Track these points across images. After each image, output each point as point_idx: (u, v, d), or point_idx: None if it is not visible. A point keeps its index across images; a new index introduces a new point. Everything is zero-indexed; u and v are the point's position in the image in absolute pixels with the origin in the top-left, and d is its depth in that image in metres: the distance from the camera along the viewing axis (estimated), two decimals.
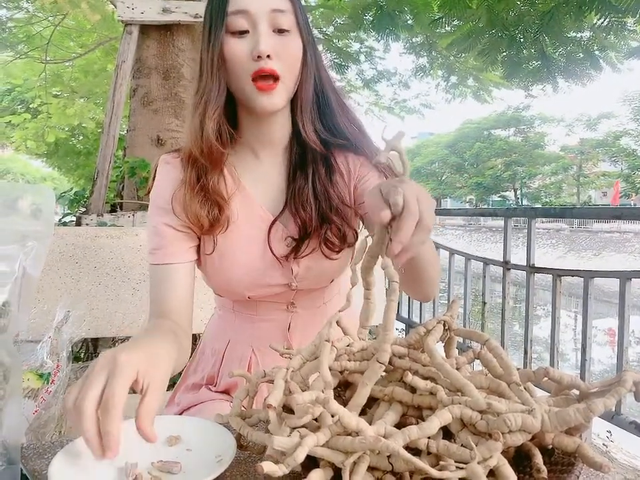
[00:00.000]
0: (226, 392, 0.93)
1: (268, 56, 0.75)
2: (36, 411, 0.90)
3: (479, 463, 0.38)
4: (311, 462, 0.45)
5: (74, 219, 2.07)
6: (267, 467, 0.38)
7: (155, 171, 0.88)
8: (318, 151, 0.85)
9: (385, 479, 0.44)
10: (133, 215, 1.99)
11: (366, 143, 0.88)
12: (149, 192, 0.87)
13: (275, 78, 0.76)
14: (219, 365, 0.94)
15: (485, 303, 2.35)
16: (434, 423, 0.40)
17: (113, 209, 2.20)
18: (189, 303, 0.83)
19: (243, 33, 0.76)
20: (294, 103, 0.84)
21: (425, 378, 0.48)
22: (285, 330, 0.91)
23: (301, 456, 0.39)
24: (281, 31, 0.77)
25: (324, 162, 0.87)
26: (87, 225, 1.95)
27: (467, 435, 0.42)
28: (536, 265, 2.13)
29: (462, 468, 0.39)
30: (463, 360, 0.50)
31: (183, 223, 0.82)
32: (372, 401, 0.53)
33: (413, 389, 0.49)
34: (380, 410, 0.48)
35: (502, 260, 2.28)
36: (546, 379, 0.46)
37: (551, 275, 2.03)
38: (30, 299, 0.43)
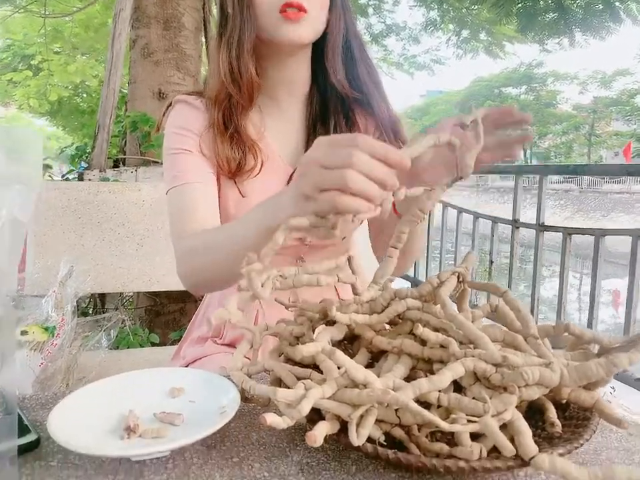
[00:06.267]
0: (231, 345, 0.92)
1: None
2: (42, 364, 0.90)
3: (492, 416, 0.37)
4: (317, 414, 0.44)
5: (77, 175, 2.05)
6: (271, 418, 0.37)
7: (166, 109, 0.86)
8: (341, 100, 0.84)
9: (393, 432, 0.42)
10: (136, 170, 1.96)
11: (381, 99, 0.85)
12: (158, 129, 0.86)
13: (301, 10, 0.74)
14: None
15: (492, 262, 2.33)
16: (446, 376, 0.38)
17: (115, 165, 2.17)
18: (218, 222, 0.81)
19: None
20: (320, 48, 0.82)
21: (436, 330, 0.46)
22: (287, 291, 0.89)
23: (306, 408, 0.38)
24: None
25: (345, 115, 0.85)
26: (89, 180, 1.92)
27: (480, 388, 0.40)
28: (545, 224, 2.09)
29: (474, 421, 0.37)
30: (478, 313, 0.47)
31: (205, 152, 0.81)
32: (380, 354, 0.52)
33: (423, 342, 0.47)
34: (388, 363, 0.46)
35: (511, 218, 2.24)
36: (566, 334, 0.44)
37: (559, 234, 2.00)
38: (19, 247, 0.41)
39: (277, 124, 0.86)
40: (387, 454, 0.38)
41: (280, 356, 0.54)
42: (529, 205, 2.28)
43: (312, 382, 0.41)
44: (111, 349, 1.19)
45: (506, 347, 0.43)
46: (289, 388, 0.50)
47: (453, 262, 2.69)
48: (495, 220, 2.35)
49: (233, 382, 0.52)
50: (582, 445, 0.39)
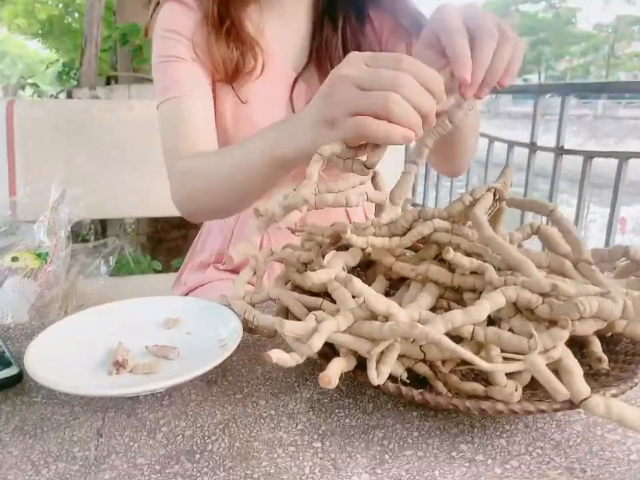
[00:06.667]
0: (235, 271, 0.87)
1: None
2: (36, 291, 0.86)
3: (539, 354, 0.31)
4: (329, 348, 0.38)
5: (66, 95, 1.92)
6: (277, 355, 0.31)
7: (154, 9, 0.75)
8: None
9: (416, 367, 0.37)
10: (129, 88, 1.82)
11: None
12: (146, 34, 0.76)
13: None
14: (229, 242, 0.87)
15: None
16: (483, 308, 0.32)
17: (107, 83, 2.03)
18: (215, 141, 0.73)
19: None
20: None
21: (468, 255, 0.39)
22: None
23: (317, 344, 0.32)
24: None
25: (356, 10, 0.74)
26: (79, 99, 1.79)
27: (523, 321, 0.34)
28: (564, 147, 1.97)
29: (517, 359, 0.32)
30: (518, 236, 0.41)
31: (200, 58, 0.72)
32: (398, 282, 0.46)
33: (450, 268, 0.41)
34: (411, 292, 0.40)
35: (528, 142, 2.12)
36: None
37: (571, 160, 1.89)
38: None
39: (278, 20, 0.76)
40: (412, 394, 0.33)
41: (286, 284, 0.48)
42: (541, 131, 2.16)
43: (324, 313, 0.35)
44: (111, 275, 1.14)
45: (551, 274, 0.37)
46: (296, 319, 0.44)
47: (464, 189, 2.60)
48: (511, 143, 2.23)
49: (235, 311, 0.47)
50: (637, 384, 0.34)
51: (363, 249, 0.44)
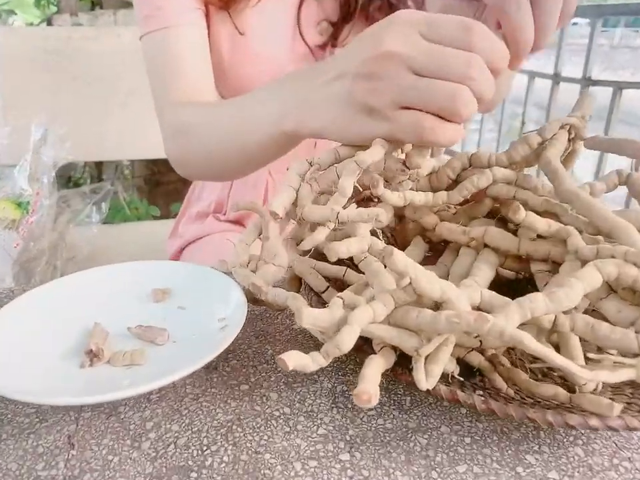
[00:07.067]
0: (237, 222, 0.79)
1: None
2: (17, 245, 0.78)
3: None
4: (361, 339, 0.30)
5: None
6: (294, 361, 0.23)
7: None
8: None
9: (468, 357, 0.29)
10: (114, 13, 1.64)
11: None
12: None
13: None
14: (228, 190, 0.78)
15: (524, 123, 2.09)
16: (575, 291, 0.24)
17: (92, 9, 1.84)
18: (211, 80, 0.62)
19: None
20: None
21: (538, 214, 0.30)
22: (310, 148, 0.72)
23: (348, 342, 0.24)
24: None
25: None
26: (59, 26, 1.63)
27: (623, 306, 0.25)
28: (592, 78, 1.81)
29: (610, 360, 0.24)
30: (600, 187, 0.31)
31: None
32: (437, 245, 0.37)
33: (509, 230, 0.32)
34: (461, 261, 0.31)
35: (552, 73, 1.95)
36: None
37: (610, 88, 1.74)
38: None
39: None
40: (474, 402, 0.25)
41: (299, 244, 0.39)
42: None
43: (353, 295, 0.27)
44: (104, 223, 1.06)
45: None
46: (312, 291, 0.36)
47: (478, 126, 2.44)
48: (532, 74, 2.06)
49: (237, 281, 0.39)
50: None
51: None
